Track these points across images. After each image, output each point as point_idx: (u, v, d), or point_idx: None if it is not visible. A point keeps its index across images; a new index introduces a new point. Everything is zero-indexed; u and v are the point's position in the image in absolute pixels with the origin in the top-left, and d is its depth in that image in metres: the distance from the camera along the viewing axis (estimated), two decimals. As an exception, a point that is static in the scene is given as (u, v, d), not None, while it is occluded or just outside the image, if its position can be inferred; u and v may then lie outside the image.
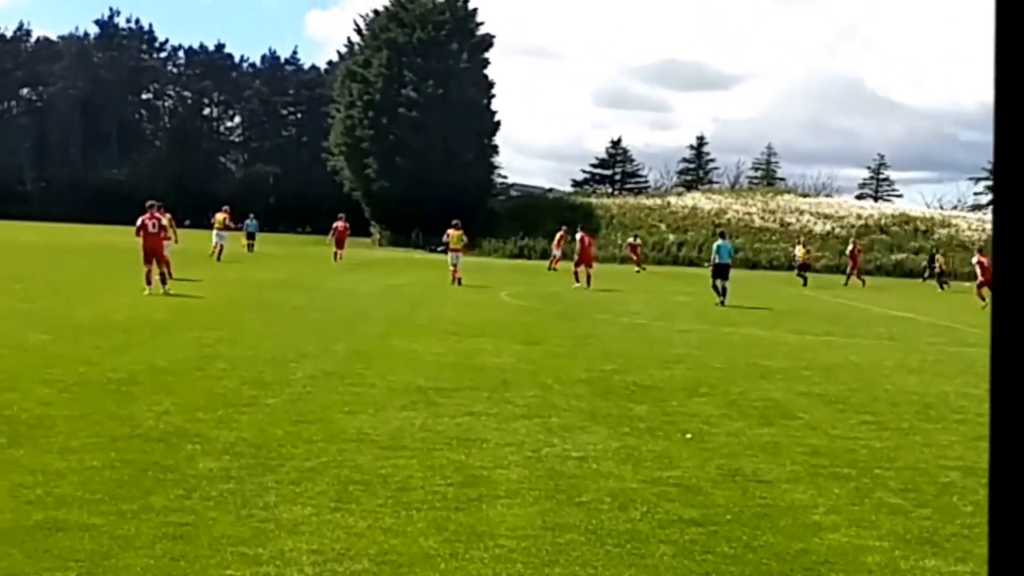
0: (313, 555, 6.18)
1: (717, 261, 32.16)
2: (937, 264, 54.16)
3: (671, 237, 73.06)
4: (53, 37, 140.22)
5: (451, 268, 36.24)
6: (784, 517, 7.46)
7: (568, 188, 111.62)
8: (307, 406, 10.97)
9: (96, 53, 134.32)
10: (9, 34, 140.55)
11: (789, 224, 77.48)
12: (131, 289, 25.38)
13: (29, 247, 49.29)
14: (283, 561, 6.06)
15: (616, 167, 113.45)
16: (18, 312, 19.73)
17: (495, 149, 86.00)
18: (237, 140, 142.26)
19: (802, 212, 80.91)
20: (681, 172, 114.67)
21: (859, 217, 79.94)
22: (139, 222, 26.10)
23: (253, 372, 13.22)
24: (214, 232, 46.38)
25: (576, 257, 39.30)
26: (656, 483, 8.28)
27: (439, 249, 73.10)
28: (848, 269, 51.56)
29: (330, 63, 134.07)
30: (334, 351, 15.82)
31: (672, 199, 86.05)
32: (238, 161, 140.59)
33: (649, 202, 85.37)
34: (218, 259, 42.74)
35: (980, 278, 38.91)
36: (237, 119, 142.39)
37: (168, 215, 28.96)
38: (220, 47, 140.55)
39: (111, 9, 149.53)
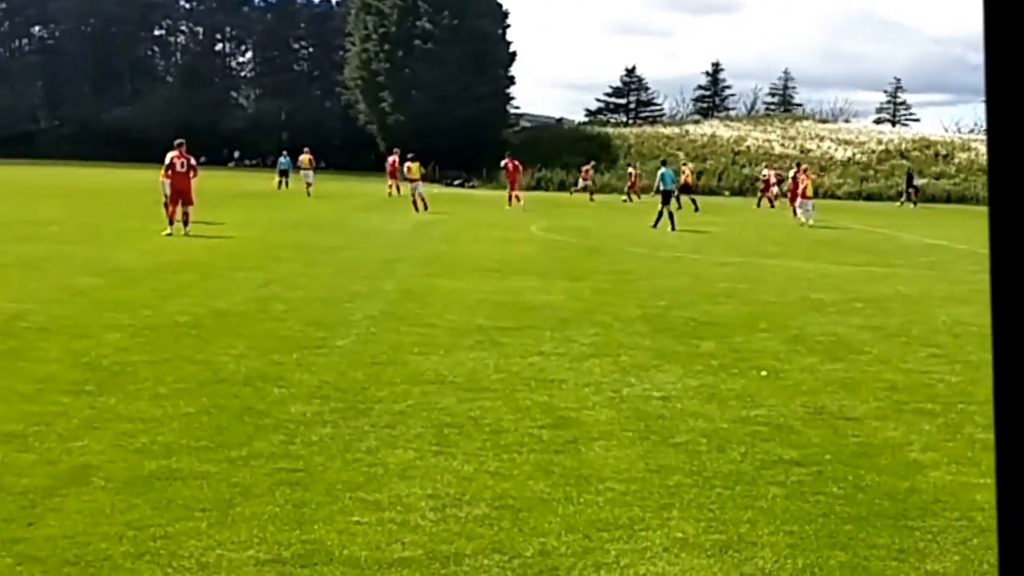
0: (430, 500, 6.27)
1: (662, 188, 34.52)
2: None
3: (691, 166, 72.74)
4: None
5: (412, 198, 39.80)
6: (882, 455, 7.52)
7: (579, 118, 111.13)
8: (377, 348, 11.04)
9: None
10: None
11: (809, 151, 77.12)
12: (159, 231, 25.47)
13: (51, 188, 49.28)
14: (403, 507, 6.14)
15: (631, 96, 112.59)
16: (61, 255, 19.75)
17: (511, 80, 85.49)
18: (249, 76, 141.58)
19: (822, 138, 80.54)
20: (697, 100, 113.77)
21: (879, 142, 79.54)
22: (167, 160, 26.08)
23: (313, 313, 13.30)
24: (302, 172, 51.15)
25: (507, 183, 43.73)
26: (746, 422, 8.34)
27: (456, 183, 73.17)
28: (789, 196, 45.29)
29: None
30: (384, 291, 15.87)
31: (690, 127, 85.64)
32: (249, 97, 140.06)
33: (667, 131, 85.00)
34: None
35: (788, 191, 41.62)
36: (248, 55, 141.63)
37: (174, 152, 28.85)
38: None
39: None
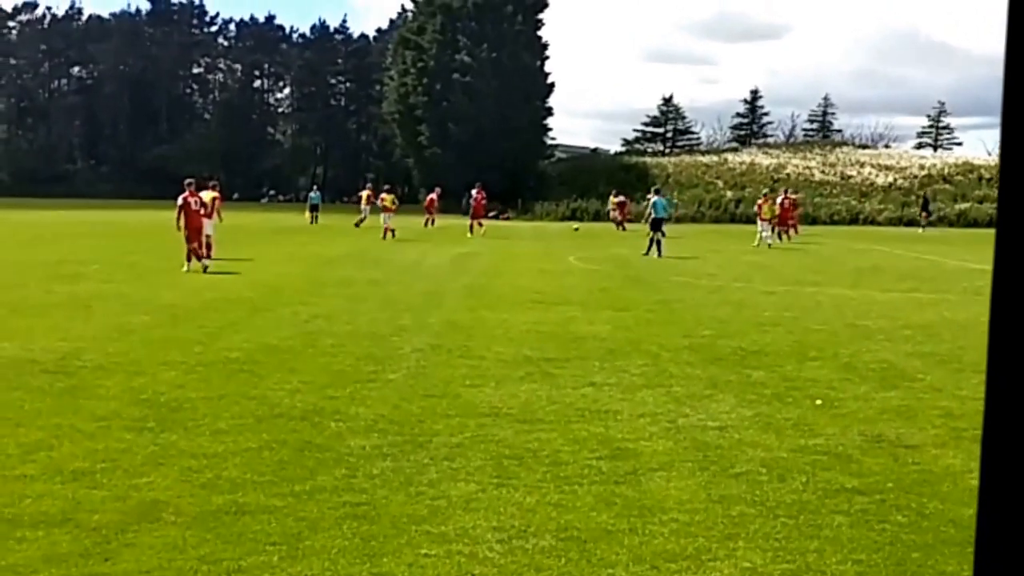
0: (496, 532, 6.31)
1: (653, 215, 34.88)
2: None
3: (728, 194, 72.77)
4: (105, 15, 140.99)
5: (384, 226, 43.09)
6: (943, 483, 7.51)
7: (614, 147, 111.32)
8: (429, 381, 11.11)
9: (147, 30, 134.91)
10: (61, 13, 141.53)
11: (850, 177, 77.01)
12: (198, 268, 25.88)
13: (90, 227, 49.91)
14: (469, 539, 6.19)
15: (668, 125, 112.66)
16: (108, 294, 19.98)
17: (549, 112, 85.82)
18: (286, 111, 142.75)
19: (862, 164, 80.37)
20: (735, 127, 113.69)
21: (921, 167, 79.32)
22: (180, 201, 26.37)
23: (362, 347, 13.39)
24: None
25: (471, 212, 47.48)
26: (804, 452, 8.34)
27: (492, 215, 73.36)
28: (779, 224, 45.31)
29: (379, 31, 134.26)
30: (430, 324, 15.95)
31: (728, 156, 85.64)
32: (286, 132, 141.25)
33: (705, 159, 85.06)
34: (356, 225, 49.49)
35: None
36: (286, 91, 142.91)
37: (216, 193, 29.77)
38: (270, 19, 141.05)
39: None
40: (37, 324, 15.33)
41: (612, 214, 57.45)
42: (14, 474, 7.38)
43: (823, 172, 78.99)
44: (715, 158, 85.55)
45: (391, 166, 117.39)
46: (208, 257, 27.10)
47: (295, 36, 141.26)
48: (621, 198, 58.32)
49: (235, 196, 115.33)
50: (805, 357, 13.15)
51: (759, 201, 43.24)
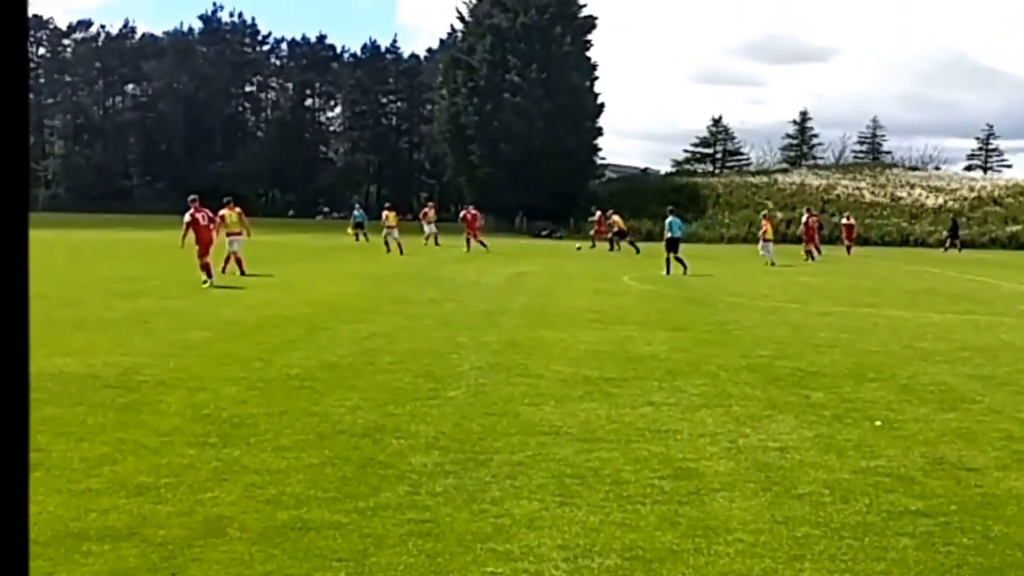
0: (561, 550, 6.31)
1: (669, 235, 35.46)
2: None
3: (779, 215, 72.38)
4: (158, 34, 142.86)
5: (395, 242, 45.02)
6: (1007, 506, 7.43)
7: (664, 168, 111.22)
8: (489, 399, 11.13)
9: (200, 48, 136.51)
10: (115, 32, 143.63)
11: (900, 199, 76.44)
12: (259, 284, 26.33)
13: (147, 244, 50.48)
14: (535, 557, 6.19)
15: (717, 145, 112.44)
16: (166, 310, 20.18)
17: (599, 132, 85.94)
18: (338, 130, 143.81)
19: (912, 186, 79.79)
20: (784, 148, 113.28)
21: (971, 189, 78.65)
22: (189, 217, 26.90)
23: (420, 365, 13.43)
24: (425, 224, 54.76)
25: (466, 228, 49.33)
26: (867, 473, 8.28)
27: (544, 234, 73.44)
28: (805, 242, 47.94)
29: (429, 51, 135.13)
30: (488, 343, 15.97)
31: (779, 176, 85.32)
32: (339, 151, 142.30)
33: (755, 180, 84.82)
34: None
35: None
36: (338, 109, 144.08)
37: (238, 209, 30.73)
38: (321, 38, 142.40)
39: (215, 4, 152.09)
40: (98, 339, 15.51)
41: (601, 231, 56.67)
42: (79, 488, 7.46)
43: (873, 193, 78.49)
44: (765, 179, 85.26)
45: (443, 185, 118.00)
46: (242, 273, 28.14)
47: (346, 56, 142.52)
48: (598, 215, 58.38)
49: (290, 213, 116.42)
50: (863, 378, 13.05)
51: (763, 222, 43.88)
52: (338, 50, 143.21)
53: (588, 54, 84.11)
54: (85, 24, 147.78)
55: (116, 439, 8.91)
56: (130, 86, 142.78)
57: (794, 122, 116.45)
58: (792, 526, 6.89)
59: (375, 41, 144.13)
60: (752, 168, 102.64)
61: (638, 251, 49.07)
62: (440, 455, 8.57)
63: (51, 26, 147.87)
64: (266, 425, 9.59)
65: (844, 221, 56.23)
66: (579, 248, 51.55)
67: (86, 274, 28.73)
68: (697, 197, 76.78)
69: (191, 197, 28.17)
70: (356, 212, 58.10)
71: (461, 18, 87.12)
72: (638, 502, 7.36)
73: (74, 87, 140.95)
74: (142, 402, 10.62)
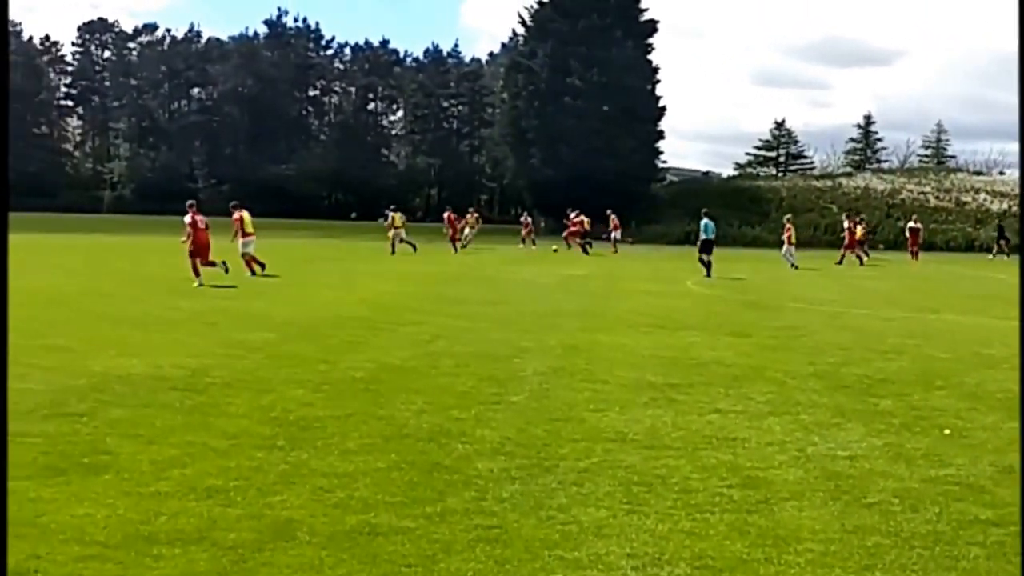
0: (629, 559, 6.26)
1: (703, 237, 36.01)
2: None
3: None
4: (223, 38, 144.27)
5: (405, 243, 45.98)
6: (1084, 518, 7.28)
7: (725, 171, 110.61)
8: (553, 404, 11.09)
9: (265, 52, 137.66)
10: (180, 36, 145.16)
11: (965, 203, 75.44)
12: (320, 285, 26.77)
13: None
14: (603, 565, 6.14)
15: (780, 148, 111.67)
16: (229, 310, 20.35)
17: (660, 135, 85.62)
18: (400, 134, 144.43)
19: (977, 191, 78.72)
20: (848, 152, 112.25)
21: (1038, 194, 77.40)
22: (189, 220, 27.83)
23: (483, 369, 13.43)
24: (467, 229, 55.27)
25: (449, 232, 51.20)
26: (936, 482, 8.16)
27: (603, 237, 73.20)
28: (846, 247, 47.69)
29: (491, 55, 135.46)
30: (550, 346, 15.94)
31: (843, 180, 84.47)
32: (400, 154, 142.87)
33: (819, 184, 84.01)
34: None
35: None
36: (400, 113, 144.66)
37: (246, 212, 31.28)
38: (384, 43, 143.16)
39: (279, 9, 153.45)
40: (164, 340, 15.67)
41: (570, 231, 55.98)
42: (149, 491, 7.51)
43: (938, 198, 77.57)
44: (829, 182, 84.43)
45: (503, 188, 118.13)
46: (262, 269, 29.70)
47: (409, 60, 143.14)
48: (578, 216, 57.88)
49: (352, 216, 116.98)
50: (931, 386, 12.87)
51: (787, 226, 43.71)
52: (401, 54, 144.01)
53: (649, 57, 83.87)
54: (151, 28, 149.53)
55: (184, 441, 8.97)
56: (195, 89, 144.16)
57: (858, 125, 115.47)
58: (862, 535, 6.81)
59: (437, 45, 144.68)
60: (816, 172, 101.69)
61: (587, 252, 50.80)
62: (505, 460, 8.55)
63: (116, 29, 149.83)
64: (332, 428, 9.62)
65: (910, 226, 55.54)
66: (555, 250, 51.19)
67: (149, 274, 29.01)
68: (760, 200, 76.19)
69: (189, 202, 29.33)
70: (389, 215, 59.03)
71: (523, 22, 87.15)
72: (707, 510, 7.29)
73: (140, 90, 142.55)
74: (209, 404, 10.69)
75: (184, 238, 28.01)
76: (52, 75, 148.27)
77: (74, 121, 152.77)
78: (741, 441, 9.48)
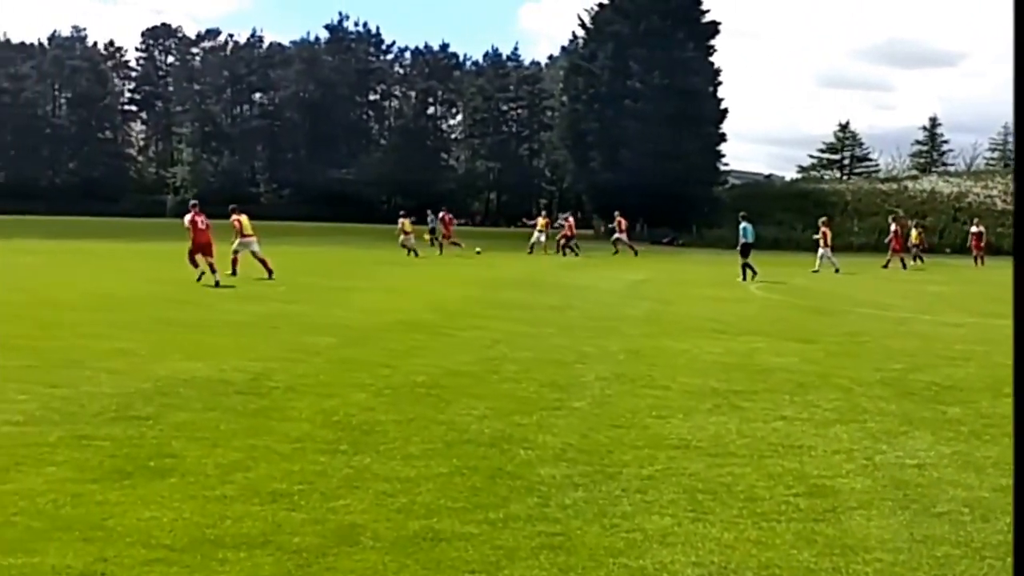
0: (695, 568, 6.19)
1: (743, 241, 36.11)
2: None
3: (909, 223, 70.85)
4: (285, 43, 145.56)
5: (408, 248, 46.59)
6: None
7: (788, 174, 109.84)
8: (615, 410, 11.02)
9: (326, 57, 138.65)
10: (243, 40, 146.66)
11: (1033, 207, 74.28)
12: (379, 289, 26.96)
13: (271, 248, 51.36)
14: (669, 574, 6.08)
15: (844, 151, 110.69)
16: (290, 314, 20.45)
17: (721, 137, 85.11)
18: (459, 137, 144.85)
19: (1047, 194, 77.49)
20: (914, 154, 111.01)
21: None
22: (189, 220, 28.53)
23: (545, 374, 13.37)
24: (536, 231, 54.87)
25: (443, 232, 52.35)
26: (1007, 491, 7.97)
27: (665, 241, 72.99)
28: (893, 251, 47.71)
29: (551, 58, 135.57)
30: (611, 352, 15.86)
31: (908, 183, 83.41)
32: (459, 158, 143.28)
33: (883, 187, 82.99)
34: (530, 252, 52.11)
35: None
36: (459, 117, 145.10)
37: (244, 216, 31.48)
38: (444, 47, 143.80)
39: (340, 13, 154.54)
40: (227, 344, 15.77)
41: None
42: (214, 495, 7.53)
43: (1005, 201, 76.33)
44: (894, 185, 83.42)
45: (562, 191, 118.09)
46: (269, 276, 29.52)
47: (468, 63, 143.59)
48: (570, 219, 58.13)
49: (412, 219, 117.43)
50: (1000, 393, 12.63)
51: (822, 228, 43.33)
52: (460, 58, 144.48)
53: (711, 59, 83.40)
54: (213, 33, 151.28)
55: (248, 445, 9.00)
56: (257, 94, 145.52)
57: (923, 127, 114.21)
58: (932, 545, 6.69)
59: (497, 48, 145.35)
60: (880, 175, 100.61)
61: (567, 255, 51.85)
62: (568, 467, 8.50)
63: (180, 35, 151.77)
64: (395, 432, 9.62)
65: (973, 229, 54.81)
66: (479, 251, 50.83)
67: (212, 277, 29.23)
68: (824, 204, 75.29)
69: (192, 202, 29.96)
70: (429, 219, 59.73)
71: (582, 24, 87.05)
72: (773, 519, 7.20)
73: (202, 95, 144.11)
74: (272, 408, 10.74)
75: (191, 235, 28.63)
76: (116, 80, 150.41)
77: (138, 126, 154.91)
78: (807, 449, 9.37)
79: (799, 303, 26.57)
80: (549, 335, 17.88)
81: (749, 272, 34.80)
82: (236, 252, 30.62)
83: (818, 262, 41.78)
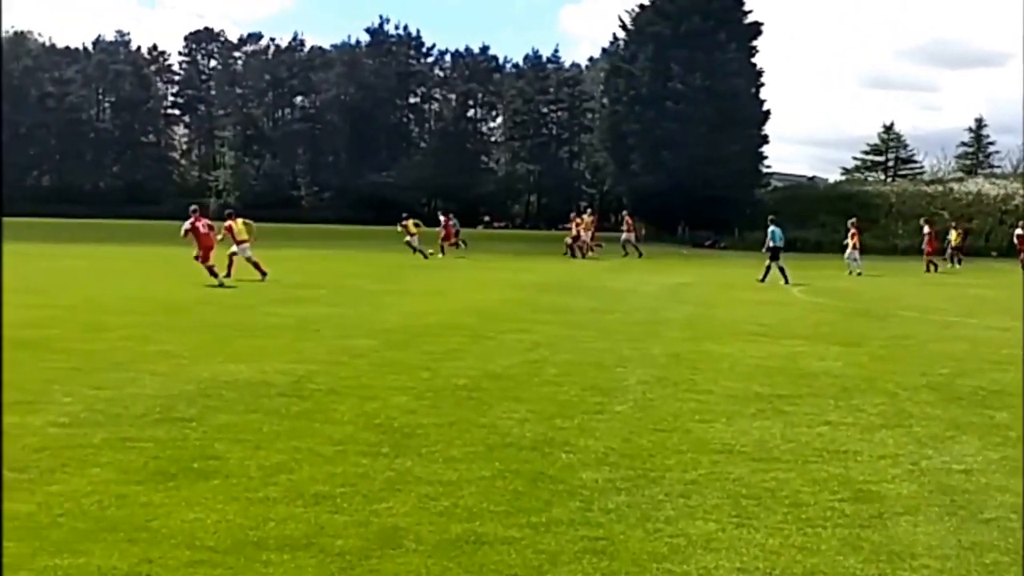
0: (740, 574, 6.14)
1: (772, 244, 36.16)
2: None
3: (949, 224, 70.15)
4: (326, 46, 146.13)
5: (418, 251, 47.29)
6: None
7: (832, 176, 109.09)
8: (657, 414, 10.96)
9: (366, 60, 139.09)
10: (284, 44, 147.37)
11: (1084, 209, 73.33)
12: (420, 292, 27.21)
13: (312, 251, 51.65)
14: (713, 580, 6.04)
15: (889, 153, 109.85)
16: (333, 317, 20.51)
17: (764, 139, 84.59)
18: (499, 140, 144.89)
19: (1097, 195, 76.53)
20: (959, 156, 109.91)
21: None
22: (190, 225, 29.33)
23: (586, 378, 13.34)
24: (582, 231, 54.21)
25: (442, 234, 52.05)
26: (1058, 499, 7.90)
27: (707, 244, 72.63)
28: (925, 255, 47.36)
29: (591, 60, 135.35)
30: (653, 355, 15.80)
31: (954, 185, 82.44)
32: (499, 161, 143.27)
33: (928, 189, 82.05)
34: (582, 256, 51.76)
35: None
36: (499, 119, 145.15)
37: (238, 220, 32.00)
38: (484, 49, 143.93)
39: (381, 17, 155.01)
40: (268, 346, 15.83)
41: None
42: (257, 496, 7.55)
43: (1053, 204, 75.50)
44: (940, 188, 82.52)
45: (603, 194, 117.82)
46: (263, 277, 29.89)
47: (508, 66, 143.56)
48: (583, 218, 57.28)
49: (453, 223, 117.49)
50: (1050, 398, 12.49)
51: (852, 230, 43.18)
52: (500, 60, 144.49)
53: (753, 60, 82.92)
54: (255, 37, 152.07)
55: (291, 447, 9.02)
56: (298, 97, 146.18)
57: (969, 129, 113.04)
58: (980, 552, 6.61)
59: (537, 51, 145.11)
60: (926, 177, 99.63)
61: (577, 256, 51.64)
62: (610, 471, 8.46)
63: (222, 39, 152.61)
64: (436, 435, 9.61)
65: (1017, 232, 54.18)
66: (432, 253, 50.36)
67: (254, 280, 29.36)
68: (868, 207, 74.64)
69: (192, 207, 30.56)
70: (452, 221, 60.22)
71: (623, 26, 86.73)
72: (818, 525, 7.13)
73: (244, 99, 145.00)
74: (315, 410, 10.76)
75: (184, 234, 29.65)
76: (159, 84, 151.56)
77: (180, 130, 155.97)
78: (853, 454, 9.28)
79: (842, 306, 26.38)
80: (590, 338, 17.82)
81: (780, 275, 34.78)
82: (233, 254, 31.07)
83: (851, 264, 41.76)
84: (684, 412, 11.09)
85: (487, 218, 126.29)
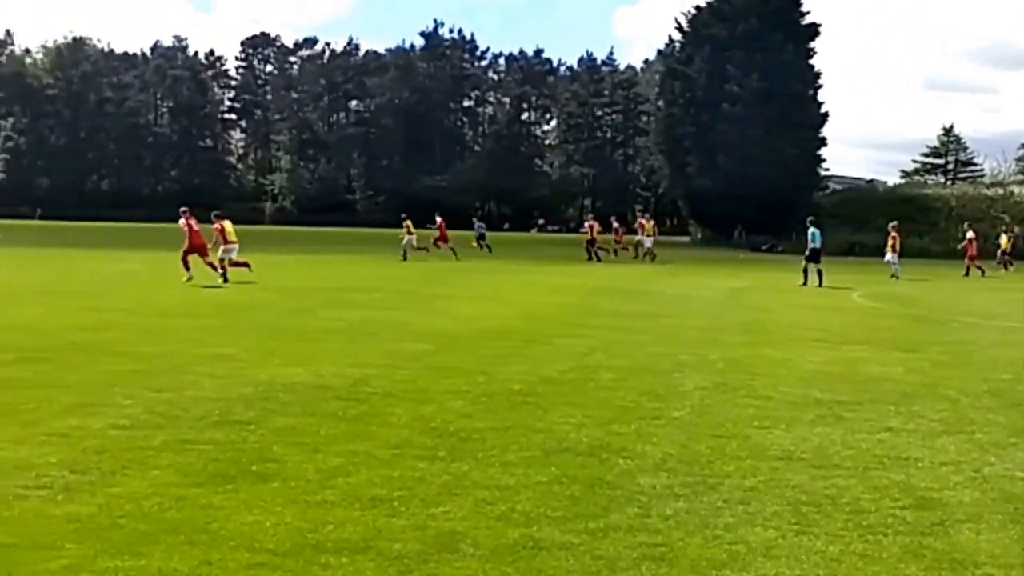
0: (801, 582, 6.08)
1: (812, 246, 36.02)
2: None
3: (1016, 229, 69.30)
4: (380, 50, 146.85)
5: (414, 249, 49.22)
6: None
7: (891, 178, 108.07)
8: (715, 420, 10.89)
9: (420, 64, 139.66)
10: (339, 49, 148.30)
11: None
12: (473, 297, 27.29)
13: (370, 255, 51.95)
14: (773, 588, 5.98)
15: (949, 156, 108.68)
16: (388, 321, 20.57)
17: (822, 142, 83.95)
18: (553, 143, 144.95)
19: None
20: (1020, 159, 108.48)
21: None
22: (183, 224, 31.07)
23: (642, 383, 13.27)
24: (644, 236, 55.14)
25: (437, 234, 52.49)
26: (1124, 507, 7.76)
27: (764, 248, 72.18)
28: (967, 258, 46.73)
29: (646, 62, 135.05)
30: (710, 360, 15.68)
31: (1015, 188, 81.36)
32: (553, 164, 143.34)
33: (989, 192, 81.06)
34: (653, 259, 52.65)
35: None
36: (553, 123, 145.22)
37: (227, 221, 32.60)
38: (538, 52, 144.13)
39: (435, 20, 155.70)
40: (325, 350, 15.88)
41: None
42: (315, 499, 7.57)
43: (1112, 206, 74.41)
44: (1000, 191, 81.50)
45: (658, 197, 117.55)
46: (248, 269, 31.33)
47: (563, 69, 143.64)
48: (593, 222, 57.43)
49: (505, 226, 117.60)
50: (1116, 405, 12.29)
51: (892, 233, 42.58)
52: (554, 63, 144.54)
53: (811, 62, 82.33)
54: (311, 42, 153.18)
55: (348, 451, 9.04)
56: (353, 102, 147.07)
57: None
58: (1045, 562, 6.50)
59: (591, 54, 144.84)
60: (986, 179, 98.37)
61: (598, 260, 51.95)
62: (668, 477, 8.41)
63: (278, 44, 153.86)
64: (492, 440, 9.59)
65: None
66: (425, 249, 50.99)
67: (309, 284, 29.56)
68: (927, 210, 73.94)
69: (182, 208, 31.85)
70: (478, 224, 60.00)
71: (679, 28, 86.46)
72: (879, 532, 7.05)
73: (300, 103, 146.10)
74: (371, 414, 10.78)
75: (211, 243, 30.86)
76: (216, 89, 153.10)
77: (237, 134, 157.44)
78: (914, 461, 9.16)
79: (901, 311, 26.11)
80: (646, 343, 17.75)
81: (814, 279, 34.67)
82: (222, 260, 31.13)
83: (893, 268, 41.38)
84: (742, 418, 11.01)
85: (541, 221, 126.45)
